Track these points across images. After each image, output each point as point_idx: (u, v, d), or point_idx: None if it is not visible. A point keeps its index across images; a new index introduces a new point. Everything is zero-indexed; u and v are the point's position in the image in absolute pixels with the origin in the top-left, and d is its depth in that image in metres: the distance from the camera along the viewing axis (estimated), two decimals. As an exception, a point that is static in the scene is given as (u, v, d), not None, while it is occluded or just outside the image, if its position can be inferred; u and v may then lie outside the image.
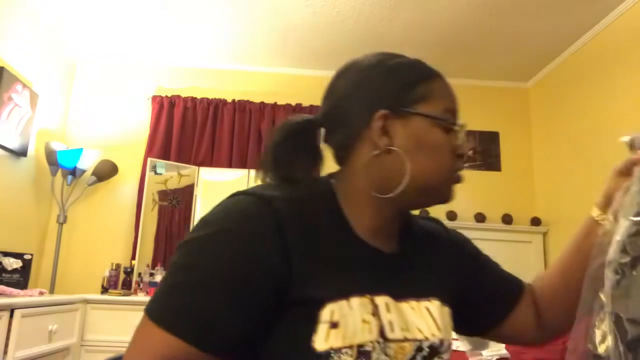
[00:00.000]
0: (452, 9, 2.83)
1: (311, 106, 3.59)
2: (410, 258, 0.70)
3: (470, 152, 3.62)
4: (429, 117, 0.65)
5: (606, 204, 0.67)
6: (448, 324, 0.69)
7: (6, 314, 2.07)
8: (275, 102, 3.58)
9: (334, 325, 0.56)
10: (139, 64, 3.62)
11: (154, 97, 3.52)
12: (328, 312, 0.56)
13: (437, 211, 3.38)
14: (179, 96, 3.53)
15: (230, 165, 3.44)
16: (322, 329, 0.56)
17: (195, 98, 3.54)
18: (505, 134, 3.66)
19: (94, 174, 3.24)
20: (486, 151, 3.64)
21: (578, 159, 3.07)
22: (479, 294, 0.77)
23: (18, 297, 2.30)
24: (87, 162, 3.22)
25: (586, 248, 0.67)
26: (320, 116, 0.70)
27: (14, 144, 2.82)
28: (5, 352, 2.06)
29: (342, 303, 0.57)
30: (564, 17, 2.85)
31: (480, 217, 3.42)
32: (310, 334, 0.55)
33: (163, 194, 3.35)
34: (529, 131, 3.69)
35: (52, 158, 3.09)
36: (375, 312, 0.60)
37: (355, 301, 0.59)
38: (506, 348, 1.72)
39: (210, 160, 3.46)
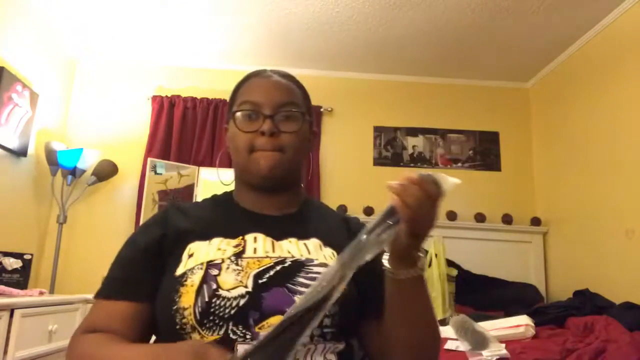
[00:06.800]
0: (452, 9, 2.82)
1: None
2: (298, 220, 0.89)
3: (471, 152, 3.63)
4: (230, 114, 0.88)
5: None
6: (320, 252, 0.81)
7: (6, 314, 2.07)
8: (275, 102, 3.57)
9: (190, 256, 0.78)
10: (139, 64, 3.62)
11: (154, 97, 3.52)
12: (187, 250, 0.79)
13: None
14: (179, 96, 3.53)
15: (230, 166, 3.42)
16: (182, 260, 0.78)
17: (195, 98, 3.54)
18: (505, 134, 3.66)
19: (94, 174, 3.23)
20: (486, 151, 3.64)
21: (578, 159, 3.07)
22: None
23: (18, 297, 2.30)
24: (87, 162, 3.22)
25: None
26: None
27: (14, 144, 2.82)
28: (5, 352, 2.06)
29: (202, 242, 0.80)
30: (564, 17, 2.85)
31: (480, 217, 3.42)
32: (176, 267, 0.77)
33: (163, 194, 3.34)
34: (529, 131, 3.69)
35: (52, 158, 3.09)
36: (241, 244, 0.80)
37: (216, 240, 0.80)
38: (506, 348, 1.72)
39: (210, 160, 3.46)
